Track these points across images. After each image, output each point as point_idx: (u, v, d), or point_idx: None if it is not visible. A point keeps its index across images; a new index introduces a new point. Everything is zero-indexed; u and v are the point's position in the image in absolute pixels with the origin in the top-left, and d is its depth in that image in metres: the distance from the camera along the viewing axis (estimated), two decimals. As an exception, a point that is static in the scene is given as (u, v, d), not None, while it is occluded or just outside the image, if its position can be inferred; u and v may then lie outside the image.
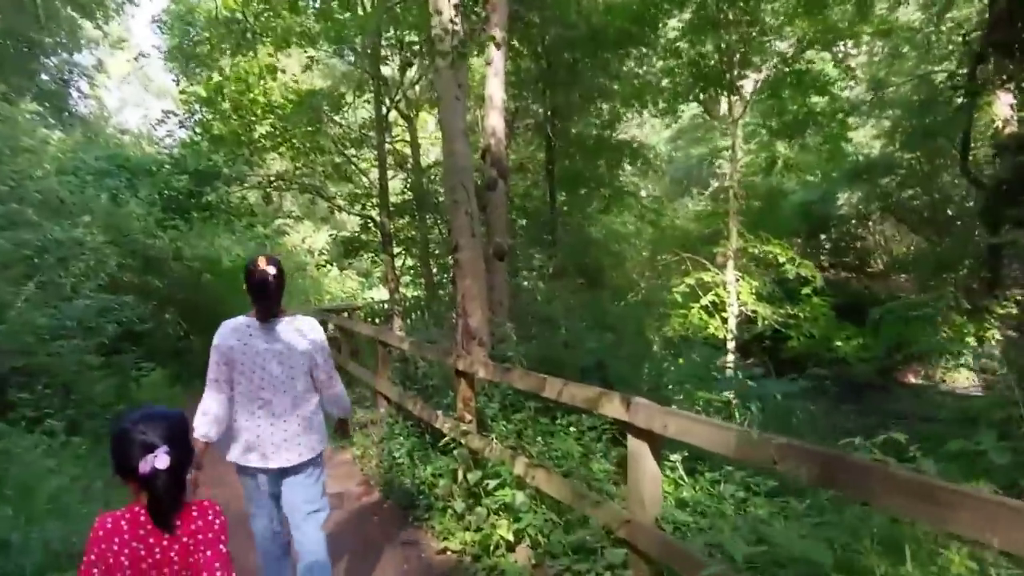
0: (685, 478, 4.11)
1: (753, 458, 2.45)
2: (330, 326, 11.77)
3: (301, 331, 3.02)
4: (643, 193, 18.60)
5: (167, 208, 11.32)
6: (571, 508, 3.81)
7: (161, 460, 1.68)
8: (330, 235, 13.35)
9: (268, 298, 2.93)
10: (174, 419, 1.82)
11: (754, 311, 11.38)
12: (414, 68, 12.27)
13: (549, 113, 11.66)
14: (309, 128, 11.55)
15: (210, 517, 1.82)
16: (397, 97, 11.94)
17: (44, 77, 17.61)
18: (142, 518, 1.74)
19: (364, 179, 12.54)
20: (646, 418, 2.92)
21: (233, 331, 2.95)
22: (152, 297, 12.06)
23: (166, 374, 10.16)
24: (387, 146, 12.45)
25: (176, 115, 11.54)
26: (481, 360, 4.88)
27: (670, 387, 6.67)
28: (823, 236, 16.70)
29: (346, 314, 15.45)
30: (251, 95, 11.45)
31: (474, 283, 7.48)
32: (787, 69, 11.94)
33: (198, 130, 11.63)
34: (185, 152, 11.45)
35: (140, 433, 1.71)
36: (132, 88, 33.23)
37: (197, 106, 11.59)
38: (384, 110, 11.58)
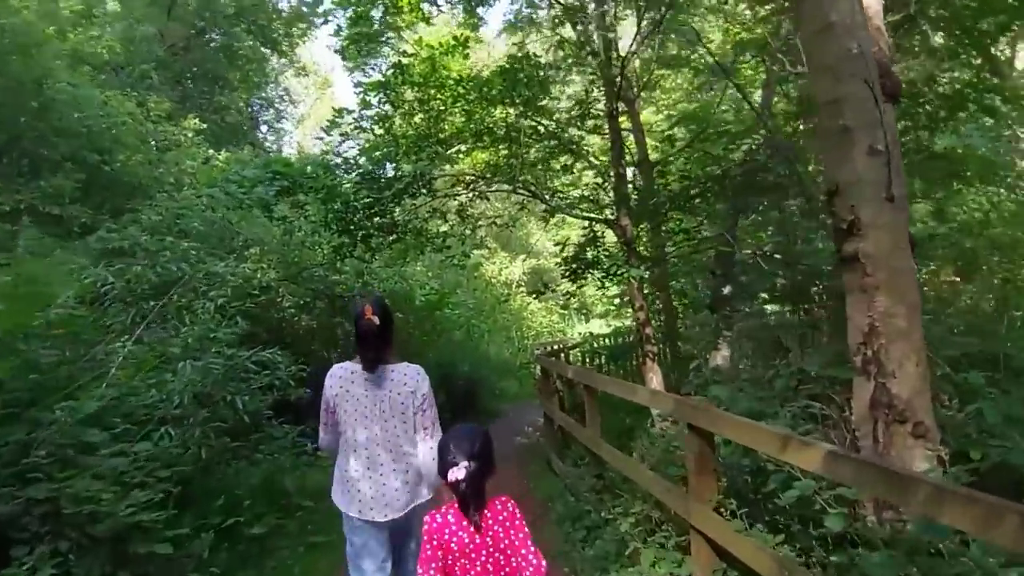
0: None
1: None
2: (555, 378, 8.48)
3: (405, 381, 2.94)
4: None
5: (343, 230, 8.84)
6: None
7: (458, 472, 2.09)
8: (556, 245, 10.17)
9: (372, 348, 2.90)
10: (478, 436, 2.21)
11: None
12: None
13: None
14: (511, 108, 8.46)
15: (510, 508, 2.22)
16: (625, 61, 8.53)
17: (234, 112, 16.82)
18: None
19: (591, 168, 9.19)
20: None
21: (339, 378, 2.94)
22: (341, 345, 9.79)
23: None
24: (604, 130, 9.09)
25: (350, 112, 9.04)
26: None
27: None
28: None
29: (561, 356, 12.18)
30: (437, 76, 8.67)
31: (895, 302, 3.55)
32: None
33: (377, 129, 9.07)
34: (363, 154, 8.94)
35: (450, 449, 2.15)
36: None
37: (375, 99, 9.04)
38: (615, 70, 8.16)
